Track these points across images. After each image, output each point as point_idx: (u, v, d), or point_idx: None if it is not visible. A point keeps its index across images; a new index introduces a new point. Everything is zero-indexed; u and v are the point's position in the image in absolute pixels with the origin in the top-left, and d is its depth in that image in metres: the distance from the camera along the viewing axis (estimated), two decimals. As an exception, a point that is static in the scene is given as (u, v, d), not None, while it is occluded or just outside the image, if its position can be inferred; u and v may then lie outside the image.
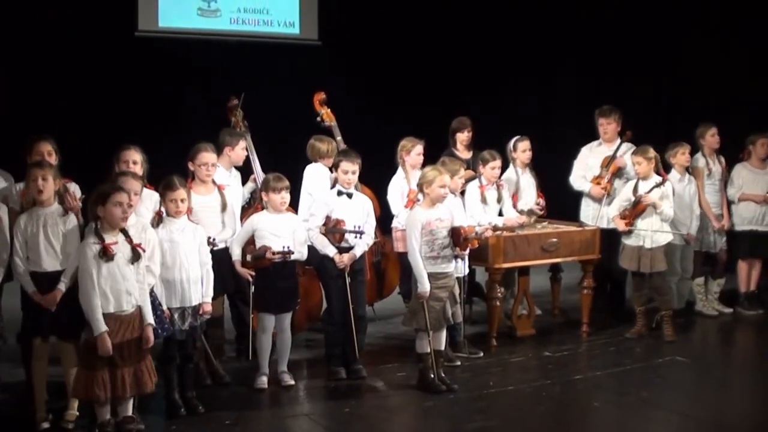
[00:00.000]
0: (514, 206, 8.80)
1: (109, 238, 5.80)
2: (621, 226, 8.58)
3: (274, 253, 6.97)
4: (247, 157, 8.05)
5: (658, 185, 8.43)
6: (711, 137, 9.57)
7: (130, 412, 5.97)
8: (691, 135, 9.61)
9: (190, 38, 12.40)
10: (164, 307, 6.30)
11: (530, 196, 9.06)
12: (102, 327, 5.72)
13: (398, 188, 8.25)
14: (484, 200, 8.49)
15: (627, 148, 9.19)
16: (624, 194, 8.67)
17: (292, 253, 7.04)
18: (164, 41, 12.20)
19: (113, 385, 5.80)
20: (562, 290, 9.65)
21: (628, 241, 8.58)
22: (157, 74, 11.93)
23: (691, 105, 12.53)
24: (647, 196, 8.43)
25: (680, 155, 9.12)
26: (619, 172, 9.19)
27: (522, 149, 9.03)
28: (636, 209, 8.49)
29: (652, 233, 8.41)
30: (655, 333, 8.63)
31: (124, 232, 5.88)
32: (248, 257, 7.04)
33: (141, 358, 5.94)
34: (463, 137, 9.39)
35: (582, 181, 9.40)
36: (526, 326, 8.73)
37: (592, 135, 9.55)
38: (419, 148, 8.31)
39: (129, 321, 5.87)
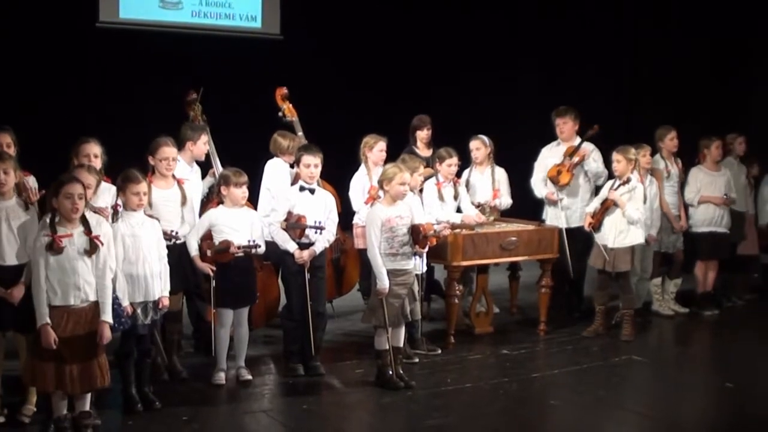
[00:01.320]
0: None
1: (63, 231, 5.70)
2: (585, 223, 8.69)
3: (239, 248, 6.93)
4: (207, 152, 7.99)
5: (623, 183, 8.52)
6: (670, 140, 9.67)
7: (87, 407, 5.90)
8: (649, 137, 9.68)
9: (151, 30, 12.33)
10: (126, 303, 6.19)
11: (485, 194, 9.06)
12: (44, 319, 5.62)
13: (360, 185, 8.25)
14: (441, 197, 8.50)
15: (592, 147, 9.30)
16: (603, 193, 8.77)
17: (258, 247, 7.03)
18: (125, 33, 12.12)
19: (60, 379, 5.70)
20: (520, 288, 9.68)
21: (597, 239, 8.67)
22: (118, 66, 11.85)
23: (651, 107, 12.62)
24: (612, 192, 8.54)
25: (641, 157, 9.19)
26: (577, 167, 9.21)
27: (470, 148, 9.08)
28: (602, 206, 8.59)
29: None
30: (613, 332, 8.70)
31: (85, 223, 5.77)
32: (208, 252, 6.97)
33: (93, 354, 5.79)
34: (423, 135, 9.43)
35: (541, 187, 9.43)
36: (485, 324, 8.75)
37: (552, 133, 9.57)
38: (381, 145, 8.31)
39: (79, 315, 5.75)
